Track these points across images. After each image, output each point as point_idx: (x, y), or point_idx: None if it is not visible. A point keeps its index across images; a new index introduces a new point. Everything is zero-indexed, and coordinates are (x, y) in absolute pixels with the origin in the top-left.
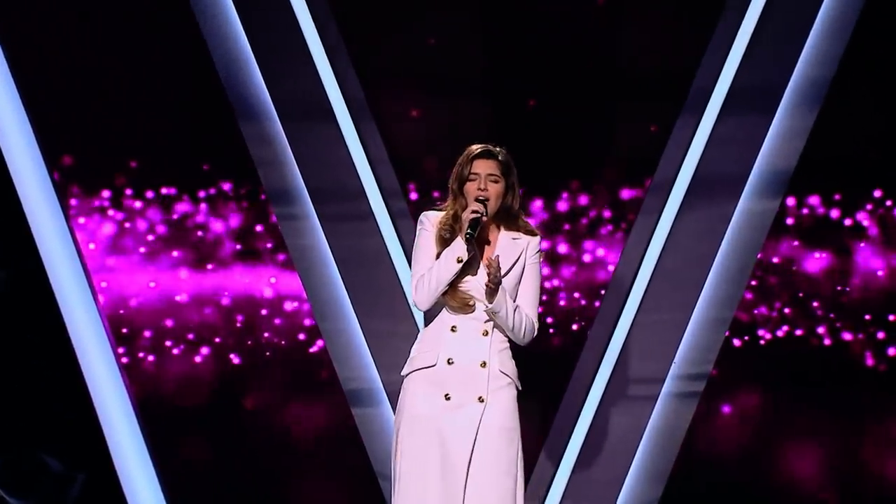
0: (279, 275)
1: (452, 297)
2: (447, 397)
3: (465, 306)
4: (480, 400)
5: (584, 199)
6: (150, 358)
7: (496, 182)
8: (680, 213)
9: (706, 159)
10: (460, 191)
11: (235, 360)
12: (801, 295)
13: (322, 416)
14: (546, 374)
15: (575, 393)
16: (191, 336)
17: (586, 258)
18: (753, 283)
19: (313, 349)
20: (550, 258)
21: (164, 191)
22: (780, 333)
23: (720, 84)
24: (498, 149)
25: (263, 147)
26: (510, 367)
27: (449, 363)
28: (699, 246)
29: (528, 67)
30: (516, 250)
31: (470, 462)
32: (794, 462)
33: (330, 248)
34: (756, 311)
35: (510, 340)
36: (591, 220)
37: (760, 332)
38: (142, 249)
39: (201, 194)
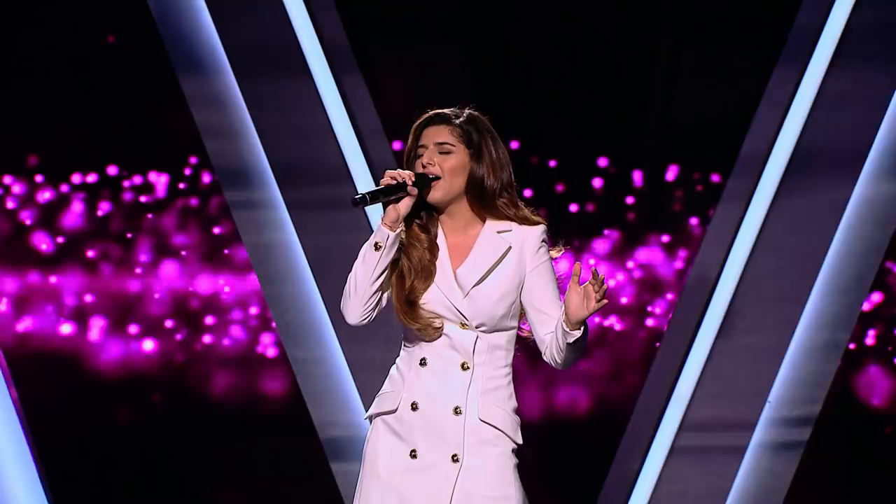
0: (233, 283)
1: (412, 318)
2: (413, 454)
3: (430, 329)
4: (455, 459)
5: (640, 180)
6: (48, 390)
7: (449, 153)
8: (776, 201)
9: (812, 127)
10: None
11: (169, 397)
12: None
13: (291, 472)
14: (593, 419)
15: (632, 445)
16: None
17: (644, 263)
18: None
19: (277, 382)
20: (591, 260)
21: (77, 176)
22: None
23: (830, 24)
24: (460, 110)
25: (212, 111)
26: (500, 414)
27: (413, 409)
28: (802, 245)
29: (566, 5)
30: (499, 247)
31: None
32: None
33: (302, 246)
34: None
35: (509, 376)
36: (652, 210)
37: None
38: (43, 246)
39: (127, 178)
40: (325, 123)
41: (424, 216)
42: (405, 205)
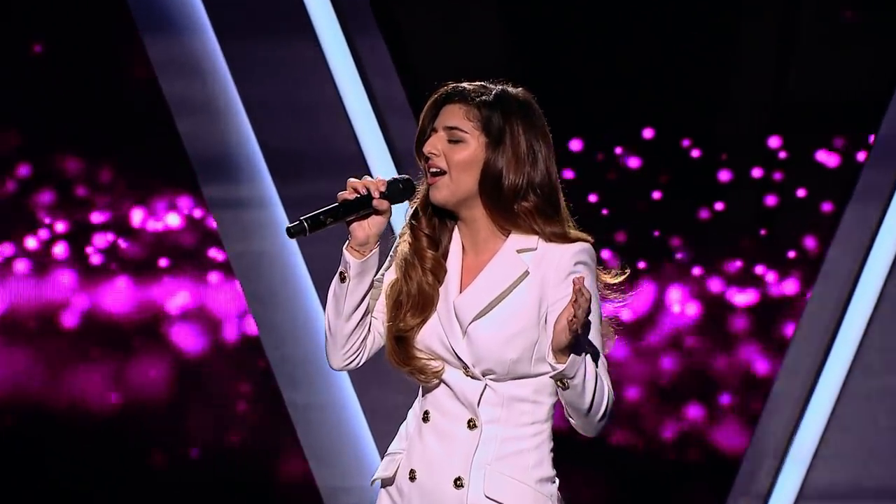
0: (215, 299)
1: (400, 359)
2: None
3: (427, 373)
4: None
5: (726, 171)
6: None
7: (460, 142)
8: None
9: None
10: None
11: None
12: None
13: None
14: (685, 484)
15: None
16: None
17: (747, 280)
18: None
19: (269, 435)
20: (656, 281)
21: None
22: None
23: None
24: (490, 85)
25: (187, 83)
26: (515, 489)
27: (411, 478)
28: None
29: None
30: (514, 270)
31: None
32: None
33: (302, 258)
34: None
35: (540, 436)
36: (750, 209)
37: None
38: None
39: (81, 166)
40: (334, 97)
41: (437, 226)
42: (377, 223)
